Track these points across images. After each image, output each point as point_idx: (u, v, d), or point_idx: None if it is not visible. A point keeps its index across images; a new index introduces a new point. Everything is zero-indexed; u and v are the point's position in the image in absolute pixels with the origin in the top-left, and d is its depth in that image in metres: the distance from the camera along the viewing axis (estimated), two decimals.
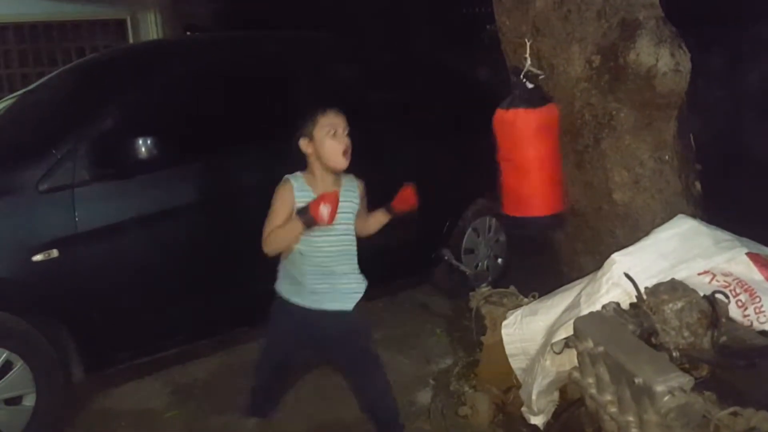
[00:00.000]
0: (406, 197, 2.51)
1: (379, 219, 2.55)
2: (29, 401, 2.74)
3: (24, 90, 4.00)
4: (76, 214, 2.79)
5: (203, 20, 7.44)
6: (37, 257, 2.69)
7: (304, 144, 2.37)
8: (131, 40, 6.90)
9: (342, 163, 2.35)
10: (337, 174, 2.40)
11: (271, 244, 2.34)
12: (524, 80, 2.67)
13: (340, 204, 2.29)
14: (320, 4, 6.79)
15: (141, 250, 2.99)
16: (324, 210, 2.20)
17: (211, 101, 3.38)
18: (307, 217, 2.23)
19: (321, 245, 2.36)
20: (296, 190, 2.35)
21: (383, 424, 2.56)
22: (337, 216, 2.27)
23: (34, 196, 2.75)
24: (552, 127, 2.66)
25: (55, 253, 2.72)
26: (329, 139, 2.32)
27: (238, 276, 3.29)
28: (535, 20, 2.79)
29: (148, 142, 2.85)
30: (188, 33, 6.96)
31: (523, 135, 2.61)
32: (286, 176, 2.40)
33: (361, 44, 4.70)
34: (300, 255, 2.38)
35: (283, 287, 2.48)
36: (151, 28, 6.98)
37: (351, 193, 2.44)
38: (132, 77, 3.33)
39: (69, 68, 4.04)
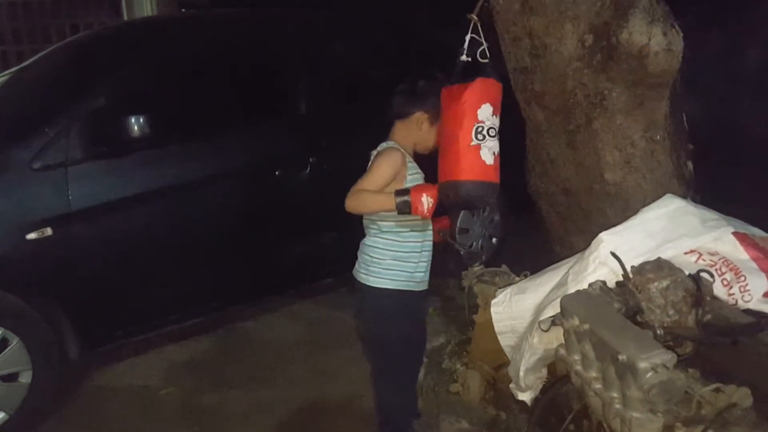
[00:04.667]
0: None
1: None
2: (25, 378, 2.78)
3: (18, 67, 3.99)
4: (70, 192, 2.81)
5: None
6: (31, 235, 2.72)
7: (422, 119, 2.31)
8: (125, 17, 6.85)
9: (427, 152, 2.36)
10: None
11: (355, 203, 2.24)
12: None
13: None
14: None
15: (135, 229, 3.01)
16: (426, 203, 2.11)
17: (206, 79, 3.38)
18: (405, 204, 2.14)
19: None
20: (408, 161, 2.29)
21: None
22: None
23: (28, 174, 2.77)
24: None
25: (48, 231, 2.75)
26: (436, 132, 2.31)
27: (233, 254, 3.31)
28: None
29: (142, 120, 2.86)
30: (183, 10, 6.90)
31: None
32: (393, 144, 2.31)
33: (358, 21, 4.67)
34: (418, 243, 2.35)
35: (395, 279, 2.35)
36: (145, 5, 6.90)
37: None
38: (126, 55, 3.33)
39: (63, 45, 4.03)
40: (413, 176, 2.30)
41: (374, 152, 2.35)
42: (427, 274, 2.43)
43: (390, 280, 2.33)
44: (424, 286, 2.42)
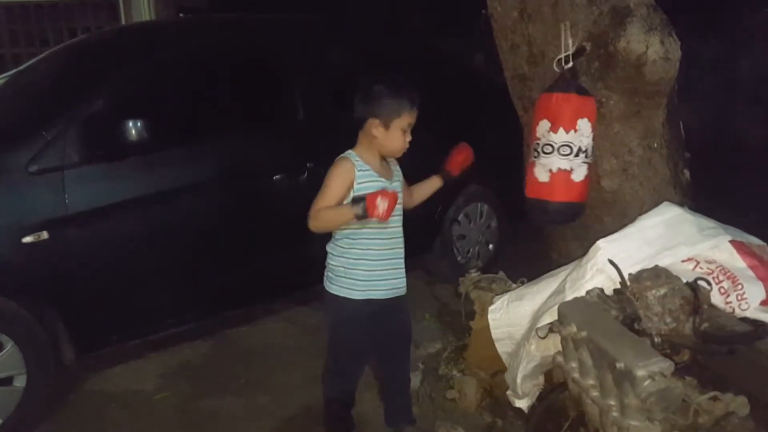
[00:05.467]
0: (461, 156, 2.54)
1: (432, 185, 2.57)
2: (20, 382, 2.76)
3: (15, 70, 3.98)
4: (66, 195, 2.79)
5: (196, 2, 7.38)
6: (27, 239, 2.69)
7: (374, 125, 2.25)
8: (123, 22, 6.86)
9: (399, 155, 2.35)
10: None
11: (318, 224, 2.26)
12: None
13: (395, 184, 2.32)
14: None
15: (131, 233, 2.99)
16: (381, 205, 2.10)
17: (204, 84, 3.37)
18: (362, 209, 2.14)
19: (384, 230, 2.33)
20: (358, 169, 2.26)
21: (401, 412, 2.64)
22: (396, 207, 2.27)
23: (24, 178, 2.74)
24: None
25: (45, 234, 2.72)
26: (401, 134, 2.27)
27: (229, 259, 3.30)
28: (526, 6, 2.79)
29: (139, 124, 2.84)
30: (181, 15, 6.91)
31: None
32: (346, 154, 2.30)
33: (355, 28, 4.69)
34: (367, 242, 2.32)
35: (345, 287, 2.37)
36: (143, 10, 6.91)
37: (398, 173, 2.43)
38: (123, 59, 3.31)
39: (60, 49, 4.01)
40: (366, 184, 2.26)
41: None
42: (393, 282, 2.40)
43: (339, 287, 2.36)
44: (390, 294, 2.39)
